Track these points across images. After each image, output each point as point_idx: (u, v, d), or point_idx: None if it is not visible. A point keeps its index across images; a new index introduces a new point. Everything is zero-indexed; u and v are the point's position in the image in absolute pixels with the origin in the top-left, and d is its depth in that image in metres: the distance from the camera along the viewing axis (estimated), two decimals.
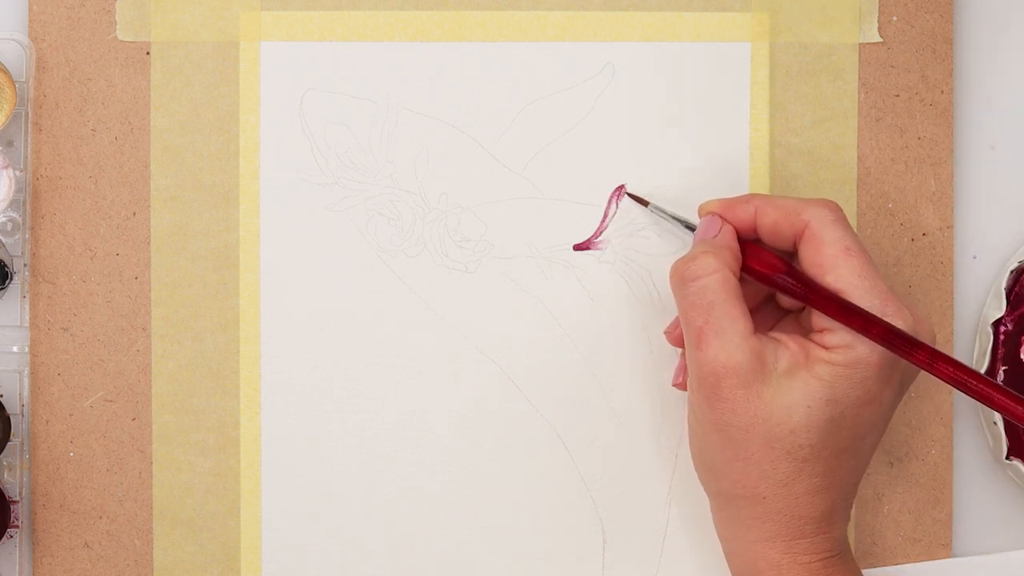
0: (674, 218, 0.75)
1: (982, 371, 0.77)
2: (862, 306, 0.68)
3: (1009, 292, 0.77)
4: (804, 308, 0.72)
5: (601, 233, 0.77)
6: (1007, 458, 0.77)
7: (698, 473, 0.72)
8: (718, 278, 0.69)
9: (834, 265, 0.69)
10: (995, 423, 0.77)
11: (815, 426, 0.68)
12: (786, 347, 0.69)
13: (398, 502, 0.77)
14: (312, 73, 0.76)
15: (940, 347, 0.78)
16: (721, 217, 0.72)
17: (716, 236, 0.71)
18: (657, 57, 0.77)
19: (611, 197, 0.77)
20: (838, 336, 0.68)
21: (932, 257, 0.78)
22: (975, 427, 0.79)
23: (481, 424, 0.77)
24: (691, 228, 0.74)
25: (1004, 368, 0.77)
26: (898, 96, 0.78)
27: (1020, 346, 0.77)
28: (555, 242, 0.77)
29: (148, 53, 0.76)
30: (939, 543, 0.78)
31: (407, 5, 0.76)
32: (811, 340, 0.69)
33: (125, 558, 0.77)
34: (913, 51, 0.77)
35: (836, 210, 0.70)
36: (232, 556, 0.77)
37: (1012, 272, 0.77)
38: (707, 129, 0.77)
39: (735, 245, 0.71)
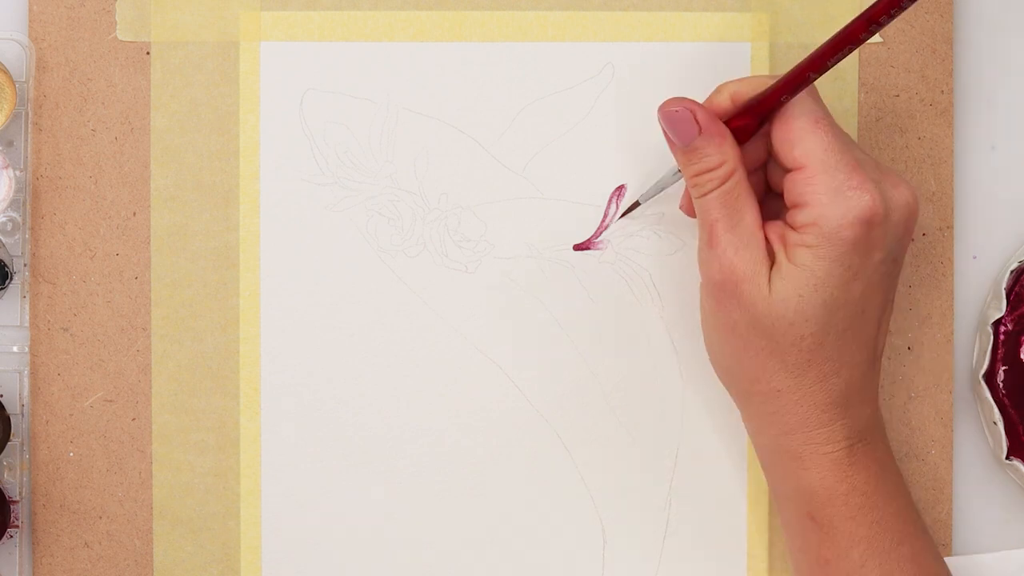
0: (659, 185, 0.74)
1: (982, 371, 0.77)
2: (826, 180, 0.68)
3: (1009, 292, 0.77)
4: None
5: (601, 233, 0.77)
6: (1007, 458, 0.77)
7: (718, 375, 0.73)
8: (727, 173, 0.69)
9: (801, 138, 0.69)
10: (995, 423, 0.77)
11: (811, 313, 0.68)
12: (776, 242, 0.69)
13: (398, 502, 0.77)
14: (312, 73, 0.76)
15: (940, 347, 0.78)
16: (691, 111, 0.70)
17: (700, 132, 0.70)
18: (657, 57, 0.77)
19: (611, 197, 0.77)
20: (803, 213, 0.68)
21: (932, 257, 0.78)
22: (975, 427, 0.79)
23: (481, 424, 0.77)
24: (676, 172, 0.73)
25: (1004, 368, 0.77)
26: (898, 96, 0.78)
27: (1020, 346, 0.77)
28: (555, 242, 0.77)
29: (148, 53, 0.76)
30: (939, 543, 0.78)
31: (407, 5, 0.76)
32: (787, 226, 0.69)
33: (125, 558, 0.76)
34: (913, 51, 0.77)
35: (811, 88, 0.70)
36: (232, 556, 0.77)
37: (1012, 272, 0.77)
38: None
39: (731, 137, 0.70)
